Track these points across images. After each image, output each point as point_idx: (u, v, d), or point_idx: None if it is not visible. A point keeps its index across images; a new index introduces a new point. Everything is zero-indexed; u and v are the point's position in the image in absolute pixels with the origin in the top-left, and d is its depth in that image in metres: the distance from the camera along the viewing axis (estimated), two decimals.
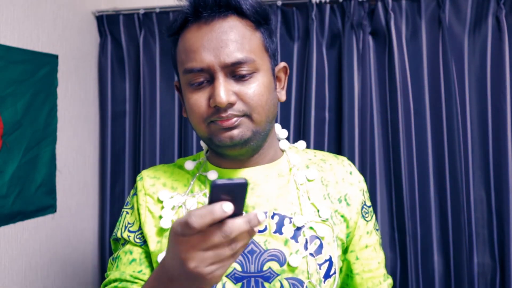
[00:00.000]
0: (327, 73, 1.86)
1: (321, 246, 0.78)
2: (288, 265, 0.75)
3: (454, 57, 1.74)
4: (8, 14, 1.66)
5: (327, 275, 0.77)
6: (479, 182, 1.75)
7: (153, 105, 2.07)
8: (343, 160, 0.90)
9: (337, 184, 0.86)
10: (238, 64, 0.73)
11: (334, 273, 0.78)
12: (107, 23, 2.10)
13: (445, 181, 1.73)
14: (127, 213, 0.89)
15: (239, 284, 0.74)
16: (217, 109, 0.74)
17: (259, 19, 0.78)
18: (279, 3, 1.86)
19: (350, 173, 0.88)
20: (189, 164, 0.88)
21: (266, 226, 0.78)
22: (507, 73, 1.67)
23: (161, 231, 0.81)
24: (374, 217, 0.91)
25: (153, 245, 0.81)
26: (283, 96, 0.84)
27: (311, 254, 0.76)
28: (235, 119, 0.74)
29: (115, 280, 0.83)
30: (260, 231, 0.77)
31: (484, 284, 1.75)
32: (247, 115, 0.75)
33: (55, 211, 1.89)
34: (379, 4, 1.78)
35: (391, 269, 1.80)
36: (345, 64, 1.79)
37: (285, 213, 0.79)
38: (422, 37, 1.77)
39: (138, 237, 0.85)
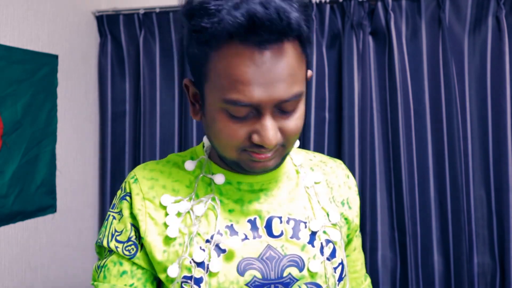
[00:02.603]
0: (327, 73, 1.86)
1: (334, 250, 0.77)
2: (308, 270, 0.73)
3: (454, 57, 1.74)
4: (8, 14, 1.66)
5: (340, 278, 0.77)
6: (479, 182, 1.75)
7: (153, 105, 2.07)
8: (340, 163, 0.90)
9: (339, 188, 0.85)
10: (289, 100, 0.65)
11: (345, 275, 0.79)
12: (107, 23, 2.10)
13: (445, 181, 1.73)
14: (114, 218, 0.79)
15: None
16: (257, 145, 0.67)
17: (309, 40, 0.69)
18: None
19: (347, 176, 0.88)
20: (189, 164, 0.80)
21: (282, 231, 0.75)
22: (507, 73, 1.67)
23: (167, 240, 0.74)
24: (359, 218, 0.93)
25: (159, 255, 0.73)
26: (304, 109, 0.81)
27: (327, 258, 0.76)
28: (272, 153, 0.69)
29: None
30: (276, 236, 0.74)
31: (484, 284, 1.75)
32: (283, 145, 0.70)
33: (55, 211, 1.89)
34: (379, 4, 1.78)
35: (391, 269, 1.80)
36: (345, 64, 1.79)
37: (300, 218, 0.77)
38: (422, 37, 1.77)
39: (127, 249, 0.76)
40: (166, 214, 0.75)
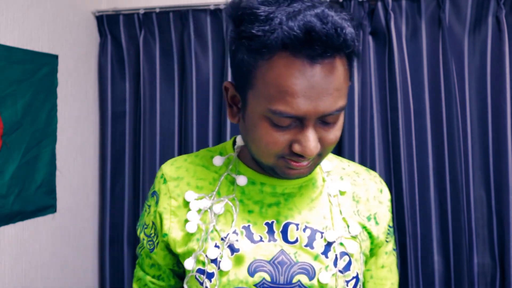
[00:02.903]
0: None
1: (349, 262, 0.76)
2: (318, 280, 0.74)
3: (454, 57, 1.74)
4: (8, 14, 1.66)
5: None
6: (479, 182, 1.75)
7: (153, 105, 2.07)
8: (375, 176, 0.86)
9: (367, 202, 0.82)
10: (333, 114, 0.66)
11: None
12: (107, 23, 2.10)
13: (445, 181, 1.73)
14: (145, 210, 0.86)
15: None
16: (296, 153, 0.68)
17: (358, 56, 0.69)
18: None
19: (381, 191, 0.84)
20: (218, 160, 0.82)
21: (297, 238, 0.75)
22: (507, 73, 1.67)
23: (187, 236, 0.78)
24: (394, 238, 0.89)
25: (179, 249, 0.79)
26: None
27: (340, 271, 0.75)
28: (309, 161, 0.70)
29: (138, 279, 0.90)
30: (291, 242, 0.75)
31: (484, 284, 1.75)
32: (319, 154, 0.71)
33: (55, 211, 1.89)
34: (379, 4, 1.78)
35: None
36: None
37: (317, 227, 0.77)
38: (422, 37, 1.77)
39: (149, 243, 0.84)
40: (188, 210, 0.78)
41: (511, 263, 1.67)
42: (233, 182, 0.80)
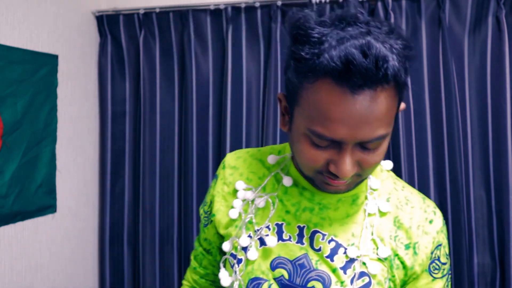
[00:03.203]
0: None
1: (369, 283, 0.76)
2: None
3: (454, 57, 1.74)
4: (8, 14, 1.66)
5: None
6: (479, 182, 1.75)
7: (153, 105, 2.07)
8: (428, 206, 0.82)
9: (409, 229, 0.79)
10: (372, 142, 0.66)
11: None
12: (107, 23, 2.10)
13: (445, 181, 1.73)
14: (208, 190, 0.94)
15: None
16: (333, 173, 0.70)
17: (405, 86, 0.68)
18: (279, 3, 1.86)
19: (430, 221, 0.80)
20: (272, 159, 0.87)
21: (321, 247, 0.77)
22: (507, 73, 1.67)
23: (229, 221, 0.85)
24: (447, 278, 0.82)
25: (222, 231, 0.87)
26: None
27: None
28: (346, 181, 0.71)
29: (195, 249, 1.00)
30: (316, 250, 0.77)
31: (484, 284, 1.75)
32: (358, 175, 0.71)
33: (55, 211, 1.89)
34: (379, 4, 1.78)
35: None
36: None
37: (342, 242, 0.78)
38: (422, 37, 1.77)
39: (205, 218, 0.93)
40: (235, 198, 0.86)
41: (511, 263, 1.67)
42: (279, 180, 0.85)
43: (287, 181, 0.82)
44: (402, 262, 0.78)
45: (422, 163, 1.77)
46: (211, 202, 0.91)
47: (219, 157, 1.99)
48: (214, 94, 2.01)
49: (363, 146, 0.67)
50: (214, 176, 0.93)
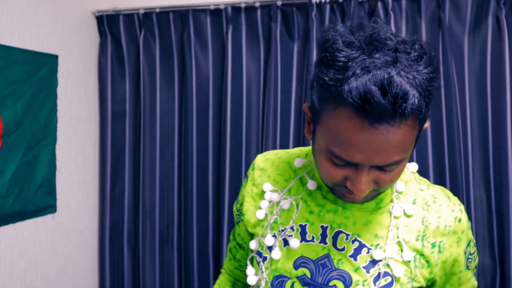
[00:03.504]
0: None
1: (391, 283, 0.78)
2: None
3: (454, 57, 1.74)
4: (8, 14, 1.66)
5: None
6: (479, 182, 1.75)
7: (153, 105, 2.07)
8: (454, 204, 0.83)
9: (437, 229, 0.81)
10: (389, 166, 0.68)
11: None
12: (107, 23, 2.10)
13: (445, 181, 1.73)
14: (240, 188, 0.99)
15: (306, 287, 0.81)
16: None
17: (425, 118, 0.70)
18: (279, 3, 1.86)
19: (459, 220, 0.82)
20: (298, 162, 0.90)
21: (344, 247, 0.80)
22: (507, 73, 1.67)
23: (257, 221, 0.90)
24: (474, 262, 0.89)
25: (250, 230, 0.92)
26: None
27: None
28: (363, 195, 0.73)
29: (229, 242, 1.05)
30: (339, 249, 0.80)
31: (484, 284, 1.75)
32: (375, 190, 0.73)
33: (55, 211, 1.89)
34: (379, 4, 1.78)
35: None
36: None
37: (365, 242, 0.80)
38: (422, 37, 1.76)
39: (237, 216, 0.98)
40: (262, 199, 0.90)
41: (511, 263, 1.67)
42: (304, 183, 0.88)
43: (311, 185, 0.85)
44: (428, 261, 0.80)
45: (422, 163, 1.77)
46: (242, 202, 0.95)
47: (219, 157, 1.99)
48: (214, 94, 2.01)
49: (380, 168, 0.69)
50: (246, 176, 0.98)
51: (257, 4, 1.90)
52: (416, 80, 0.63)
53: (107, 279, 2.14)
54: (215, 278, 2.02)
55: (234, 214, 1.00)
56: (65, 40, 1.94)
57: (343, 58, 0.65)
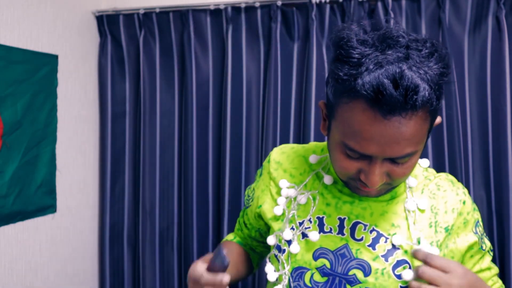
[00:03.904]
0: (327, 73, 1.86)
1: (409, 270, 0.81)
2: (373, 279, 0.81)
3: (454, 57, 1.74)
4: (8, 14, 1.66)
5: None
6: (479, 182, 1.75)
7: (153, 105, 2.07)
8: (458, 188, 0.88)
9: (445, 214, 0.85)
10: (401, 157, 0.71)
11: None
12: (107, 23, 2.10)
13: None
14: (255, 176, 1.03)
15: (325, 278, 0.84)
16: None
17: (437, 110, 0.73)
18: (279, 3, 1.86)
19: (464, 202, 0.86)
20: (313, 158, 0.93)
21: (362, 237, 0.83)
22: (507, 73, 1.67)
23: (274, 216, 0.92)
24: (486, 244, 0.92)
25: (268, 222, 0.94)
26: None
27: (397, 275, 0.81)
28: (377, 188, 0.76)
29: (238, 221, 1.09)
30: (357, 240, 0.83)
31: None
32: (388, 183, 0.76)
33: (55, 211, 1.89)
34: (379, 4, 1.77)
35: None
36: None
37: (383, 232, 0.83)
38: None
39: (246, 200, 1.03)
40: (279, 195, 0.93)
41: (511, 263, 1.67)
42: (320, 178, 0.90)
43: (327, 179, 0.88)
44: (440, 246, 0.84)
45: None
46: (254, 190, 1.00)
47: (219, 157, 1.99)
48: (214, 94, 2.01)
49: (393, 160, 0.72)
50: (262, 165, 1.01)
51: (257, 4, 1.90)
52: (427, 75, 0.66)
53: (107, 279, 2.14)
54: None
55: (245, 197, 1.05)
56: (65, 40, 1.94)
57: (357, 55, 0.67)
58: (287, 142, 1.89)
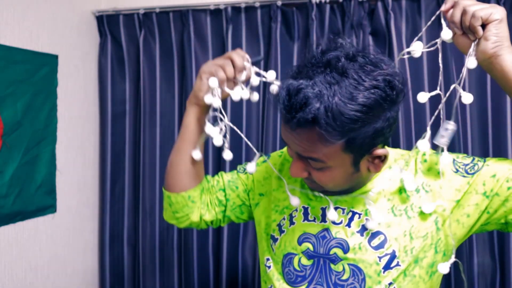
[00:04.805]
0: None
1: (384, 241, 0.87)
2: (351, 254, 0.88)
3: (454, 57, 1.74)
4: (8, 14, 1.66)
5: (387, 267, 0.86)
6: None
7: (153, 105, 2.07)
8: (417, 153, 0.94)
9: (414, 176, 0.90)
10: (310, 159, 0.82)
11: (398, 265, 0.86)
12: (107, 23, 2.10)
13: None
14: (255, 159, 1.08)
15: (311, 260, 0.91)
16: None
17: (339, 132, 0.76)
18: (279, 3, 1.86)
19: (424, 160, 0.92)
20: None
21: (342, 220, 0.90)
22: None
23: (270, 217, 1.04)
24: (473, 159, 0.94)
25: (262, 217, 1.04)
26: (377, 168, 0.87)
27: (373, 247, 0.87)
28: (309, 180, 0.89)
29: (217, 180, 1.13)
30: (336, 224, 0.91)
31: (484, 284, 1.75)
32: (314, 182, 0.88)
33: (55, 211, 1.89)
34: (379, 4, 1.77)
35: None
36: None
37: (357, 210, 0.90)
38: (422, 37, 1.76)
39: (239, 171, 1.11)
40: (277, 194, 1.02)
41: (511, 263, 1.67)
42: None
43: (294, 201, 0.97)
44: (420, 208, 0.88)
45: None
46: (252, 179, 1.08)
47: (219, 157, 1.99)
48: None
49: (307, 159, 0.83)
50: (267, 155, 1.10)
51: (257, 4, 1.90)
52: (335, 105, 0.73)
53: (107, 279, 2.14)
54: (215, 278, 2.02)
55: (236, 170, 1.12)
56: (65, 40, 1.94)
57: (297, 68, 0.84)
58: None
